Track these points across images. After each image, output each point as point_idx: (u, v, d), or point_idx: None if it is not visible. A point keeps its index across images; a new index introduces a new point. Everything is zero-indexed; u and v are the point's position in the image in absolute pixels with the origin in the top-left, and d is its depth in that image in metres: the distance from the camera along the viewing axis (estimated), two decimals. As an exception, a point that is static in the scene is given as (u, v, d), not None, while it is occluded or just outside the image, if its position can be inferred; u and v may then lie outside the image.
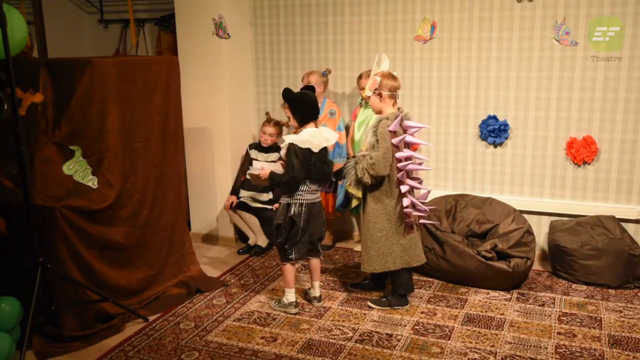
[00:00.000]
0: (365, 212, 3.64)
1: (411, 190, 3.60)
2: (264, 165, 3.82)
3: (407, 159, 3.54)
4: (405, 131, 3.55)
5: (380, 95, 3.56)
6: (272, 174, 3.59)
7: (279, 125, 4.73)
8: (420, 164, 3.66)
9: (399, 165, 3.52)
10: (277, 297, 3.84)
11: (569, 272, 4.08)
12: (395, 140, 3.48)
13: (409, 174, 3.59)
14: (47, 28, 5.04)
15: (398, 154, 3.51)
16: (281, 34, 5.03)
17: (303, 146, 3.49)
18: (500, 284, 3.94)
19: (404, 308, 3.70)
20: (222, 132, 4.89)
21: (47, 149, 3.39)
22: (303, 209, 3.57)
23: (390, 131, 3.47)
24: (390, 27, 4.66)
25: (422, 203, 3.65)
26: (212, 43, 4.76)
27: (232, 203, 4.68)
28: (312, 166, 3.53)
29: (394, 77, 3.60)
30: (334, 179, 3.87)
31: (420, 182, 3.67)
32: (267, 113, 4.86)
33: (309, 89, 3.74)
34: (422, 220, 3.73)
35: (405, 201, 3.53)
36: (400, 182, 3.55)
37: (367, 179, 3.50)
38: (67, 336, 3.34)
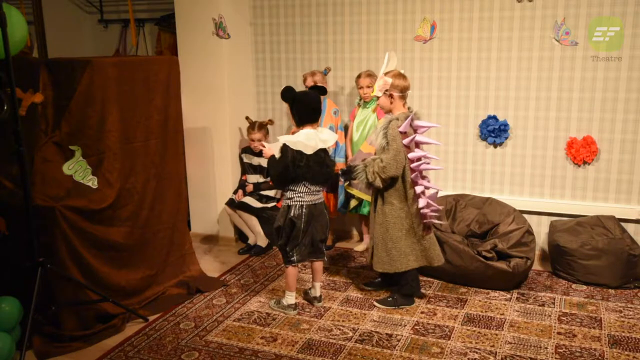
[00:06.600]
0: (384, 212, 3.59)
1: (423, 190, 3.55)
2: (271, 147, 3.65)
3: (419, 159, 3.50)
4: (415, 131, 3.50)
5: (391, 96, 3.54)
6: (271, 158, 3.54)
7: (263, 126, 4.73)
8: (428, 162, 3.61)
9: (412, 165, 3.49)
10: (277, 297, 3.84)
11: (569, 272, 4.07)
12: (405, 141, 3.45)
13: (421, 174, 3.54)
14: (47, 28, 5.03)
15: (410, 155, 3.48)
16: (281, 34, 5.03)
17: (294, 147, 3.44)
18: (500, 284, 3.94)
19: (408, 307, 3.70)
20: (222, 132, 4.89)
21: (47, 149, 3.39)
22: (303, 210, 3.53)
23: (400, 132, 3.44)
24: (390, 27, 4.66)
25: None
26: (212, 43, 4.75)
27: (243, 193, 4.79)
28: (303, 168, 3.46)
29: (404, 77, 3.56)
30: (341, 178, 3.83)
31: (429, 182, 3.62)
32: (247, 117, 4.82)
33: (319, 89, 3.66)
34: (432, 220, 3.67)
35: (421, 202, 3.50)
36: (415, 183, 3.52)
37: (379, 183, 3.48)
38: (67, 336, 3.34)
